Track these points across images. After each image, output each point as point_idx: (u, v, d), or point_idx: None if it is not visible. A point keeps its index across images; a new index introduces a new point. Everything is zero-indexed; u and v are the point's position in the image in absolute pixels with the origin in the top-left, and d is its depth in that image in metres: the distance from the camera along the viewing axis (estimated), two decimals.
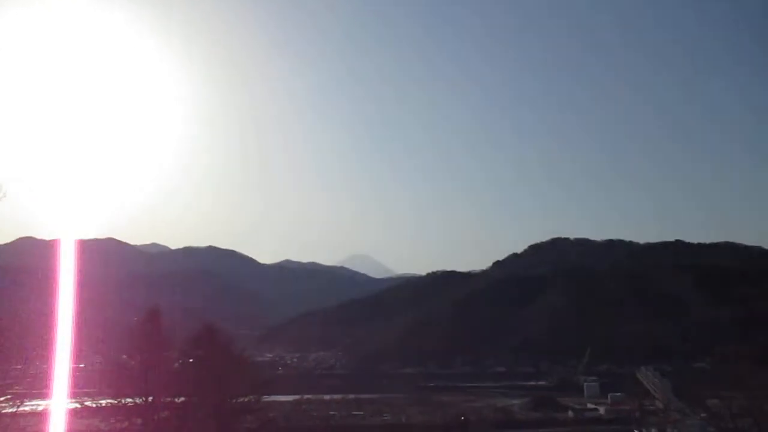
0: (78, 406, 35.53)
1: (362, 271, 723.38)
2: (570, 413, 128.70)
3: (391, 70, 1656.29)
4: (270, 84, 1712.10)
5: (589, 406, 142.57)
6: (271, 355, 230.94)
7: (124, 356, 36.63)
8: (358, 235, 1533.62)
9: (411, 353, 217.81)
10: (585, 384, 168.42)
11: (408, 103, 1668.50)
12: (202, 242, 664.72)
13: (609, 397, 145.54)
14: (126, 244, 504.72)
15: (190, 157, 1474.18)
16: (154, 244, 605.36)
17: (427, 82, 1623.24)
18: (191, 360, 39.25)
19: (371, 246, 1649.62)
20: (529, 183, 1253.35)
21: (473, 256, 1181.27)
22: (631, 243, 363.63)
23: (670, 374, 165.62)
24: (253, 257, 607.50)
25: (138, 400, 33.93)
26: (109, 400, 34.68)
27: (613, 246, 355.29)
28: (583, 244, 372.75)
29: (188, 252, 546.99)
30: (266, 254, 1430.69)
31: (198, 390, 36.88)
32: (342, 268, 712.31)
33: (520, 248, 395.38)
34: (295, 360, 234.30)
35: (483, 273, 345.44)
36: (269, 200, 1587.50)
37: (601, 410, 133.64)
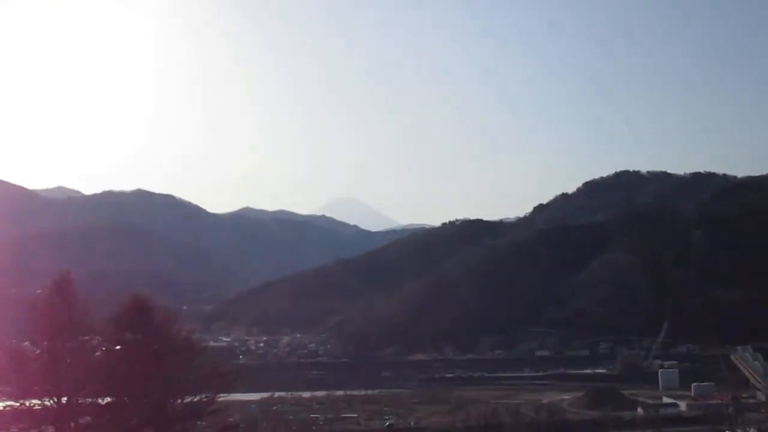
0: None
1: (351, 222, 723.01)
2: (640, 410, 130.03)
3: None
4: None
5: (666, 400, 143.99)
6: (228, 339, 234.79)
7: (26, 342, 36.76)
8: (344, 172, 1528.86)
9: (422, 334, 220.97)
10: (660, 371, 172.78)
11: None
12: (127, 185, 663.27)
13: (692, 387, 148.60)
14: (21, 189, 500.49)
15: (111, 72, 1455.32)
16: (60, 189, 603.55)
17: None
18: (118, 347, 39.17)
19: (362, 187, 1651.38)
20: (583, 100, 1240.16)
21: (507, 200, 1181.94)
22: (725, 177, 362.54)
23: None
24: (200, 205, 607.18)
25: (48, 402, 33.73)
26: (9, 402, 34.58)
27: (700, 182, 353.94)
28: (659, 179, 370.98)
29: (108, 198, 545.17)
30: (218, 201, 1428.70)
31: (129, 387, 36.83)
32: (323, 218, 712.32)
33: (571, 187, 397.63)
34: (261, 345, 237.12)
35: (520, 222, 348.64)
36: (222, 129, 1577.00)
37: (682, 405, 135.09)
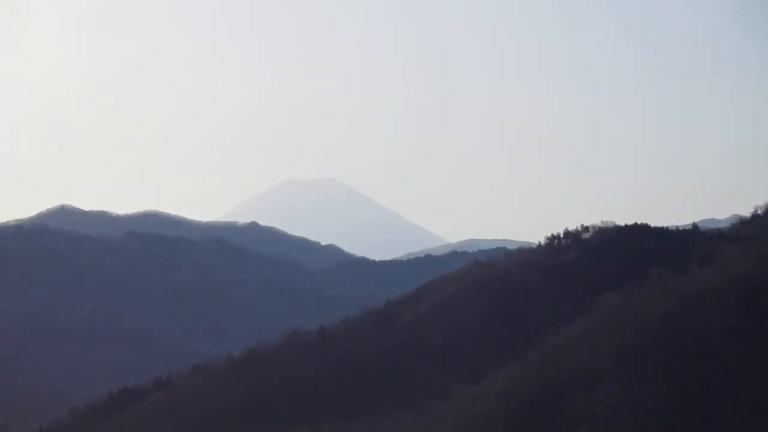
0: None
1: (325, 237, 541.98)
2: None
3: None
4: None
5: None
6: None
7: None
8: (310, 126, 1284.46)
9: None
10: None
11: None
12: None
13: None
14: None
15: None
16: None
17: None
18: None
19: (356, 164, 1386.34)
20: None
21: (705, 184, 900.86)
22: None
23: None
24: None
25: None
26: None
27: None
28: None
29: None
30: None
31: None
32: (254, 227, 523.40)
33: None
34: None
35: (738, 228, 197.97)
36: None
37: None
